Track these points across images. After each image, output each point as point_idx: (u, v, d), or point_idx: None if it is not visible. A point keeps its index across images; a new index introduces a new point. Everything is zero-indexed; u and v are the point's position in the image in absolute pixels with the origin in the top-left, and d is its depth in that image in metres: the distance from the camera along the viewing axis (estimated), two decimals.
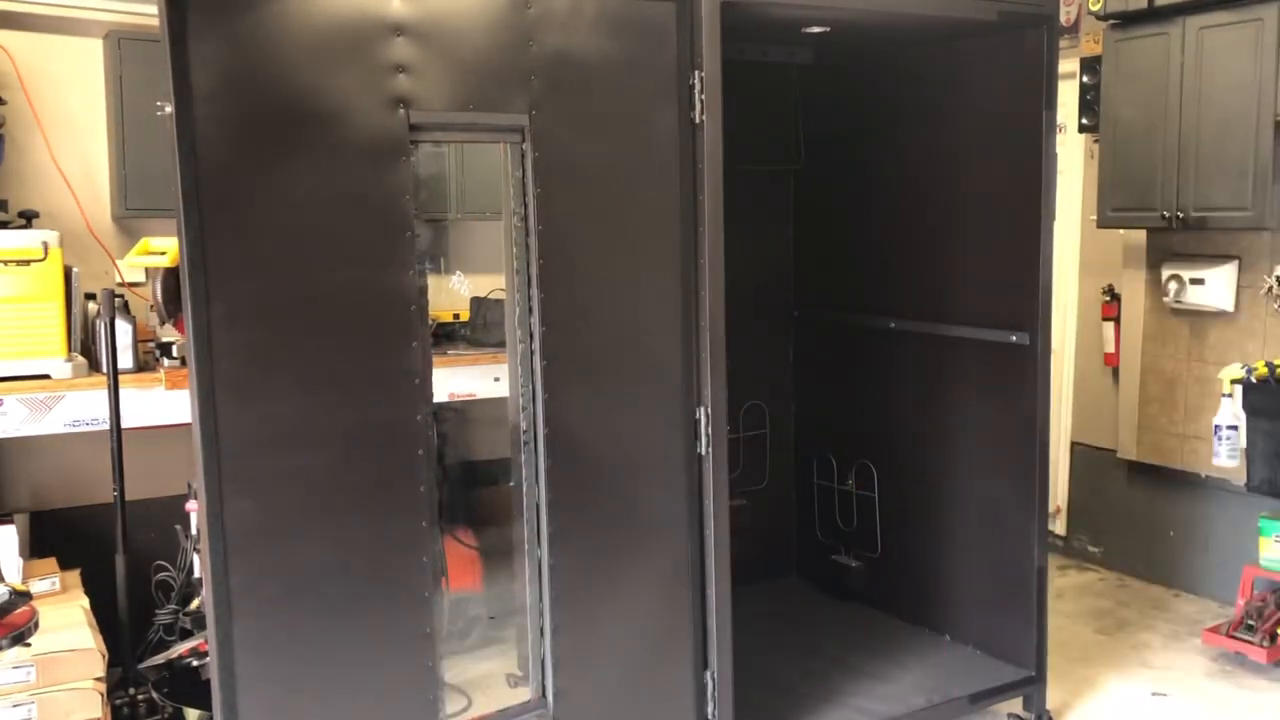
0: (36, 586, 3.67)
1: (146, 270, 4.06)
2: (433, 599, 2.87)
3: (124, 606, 3.82)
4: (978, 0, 3.59)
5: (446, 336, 4.85)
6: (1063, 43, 4.53)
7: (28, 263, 3.78)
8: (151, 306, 4.16)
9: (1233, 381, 4.51)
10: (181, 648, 3.60)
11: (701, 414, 3.19)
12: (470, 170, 4.81)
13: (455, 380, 4.42)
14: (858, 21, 3.76)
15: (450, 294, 4.99)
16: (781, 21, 3.83)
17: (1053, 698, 4.05)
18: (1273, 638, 4.43)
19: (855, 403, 4.68)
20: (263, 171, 2.59)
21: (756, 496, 4.80)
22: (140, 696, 3.69)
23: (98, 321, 3.87)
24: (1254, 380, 4.42)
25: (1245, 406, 4.46)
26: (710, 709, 3.28)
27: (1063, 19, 5.04)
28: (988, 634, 4.10)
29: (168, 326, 4.00)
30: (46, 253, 3.80)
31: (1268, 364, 4.42)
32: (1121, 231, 5.27)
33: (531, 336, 3.00)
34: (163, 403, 3.94)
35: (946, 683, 3.88)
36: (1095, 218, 5.14)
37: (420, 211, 2.80)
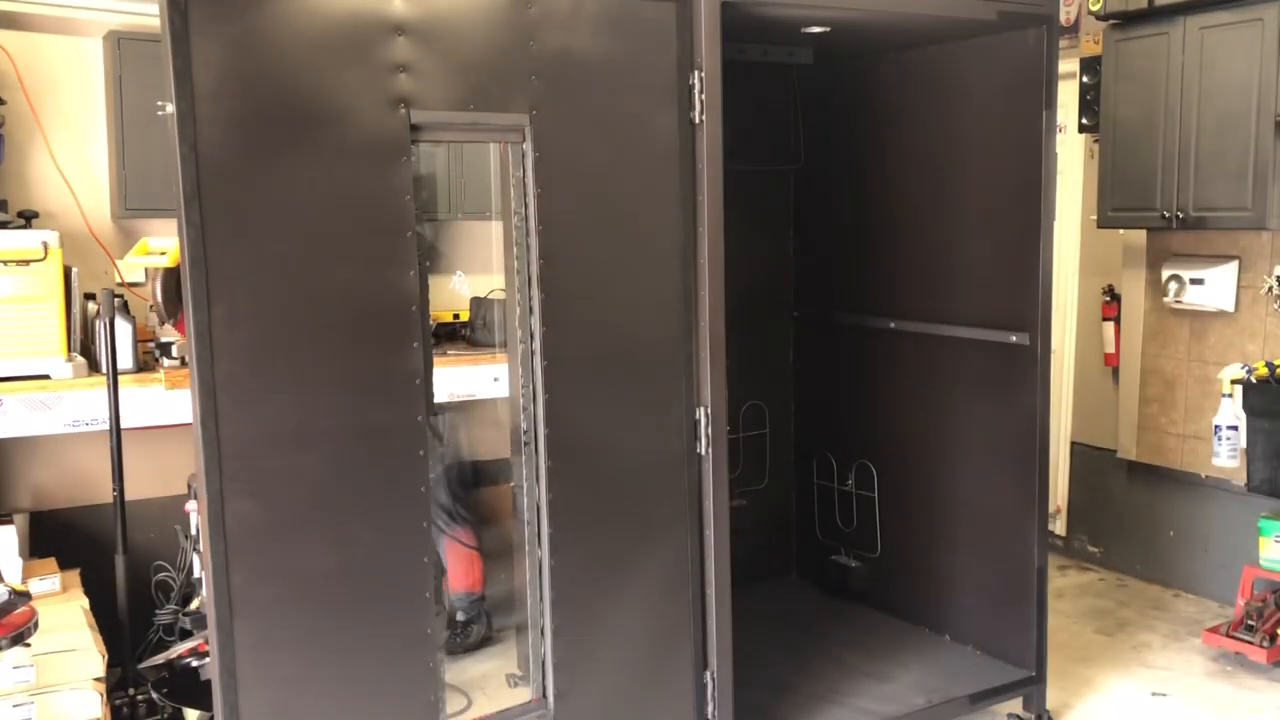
0: (36, 586, 3.68)
1: (146, 270, 4.06)
2: (433, 599, 2.87)
3: (124, 606, 3.83)
4: (978, 0, 3.59)
5: (446, 336, 4.85)
6: (1063, 43, 4.53)
7: (27, 263, 3.78)
8: (151, 306, 4.17)
9: (1233, 381, 4.51)
10: (181, 648, 3.60)
11: (701, 414, 3.19)
12: (470, 169, 4.81)
13: (455, 380, 4.41)
14: (858, 21, 3.76)
15: (450, 294, 4.99)
16: (781, 21, 3.83)
17: (1053, 698, 4.05)
18: (1273, 638, 4.43)
19: (855, 403, 4.68)
20: (264, 171, 2.58)
21: (756, 496, 4.79)
22: (140, 696, 3.69)
23: (98, 321, 3.87)
24: (1254, 380, 4.42)
25: (1245, 406, 4.46)
26: (710, 709, 3.27)
27: (1063, 19, 5.04)
28: (988, 634, 4.10)
29: (167, 326, 4.00)
30: (46, 253, 3.80)
31: (1268, 364, 4.42)
32: (1121, 231, 5.27)
33: (532, 336, 2.99)
34: (162, 403, 3.94)
35: (946, 683, 3.89)
36: (1095, 218, 5.14)
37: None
